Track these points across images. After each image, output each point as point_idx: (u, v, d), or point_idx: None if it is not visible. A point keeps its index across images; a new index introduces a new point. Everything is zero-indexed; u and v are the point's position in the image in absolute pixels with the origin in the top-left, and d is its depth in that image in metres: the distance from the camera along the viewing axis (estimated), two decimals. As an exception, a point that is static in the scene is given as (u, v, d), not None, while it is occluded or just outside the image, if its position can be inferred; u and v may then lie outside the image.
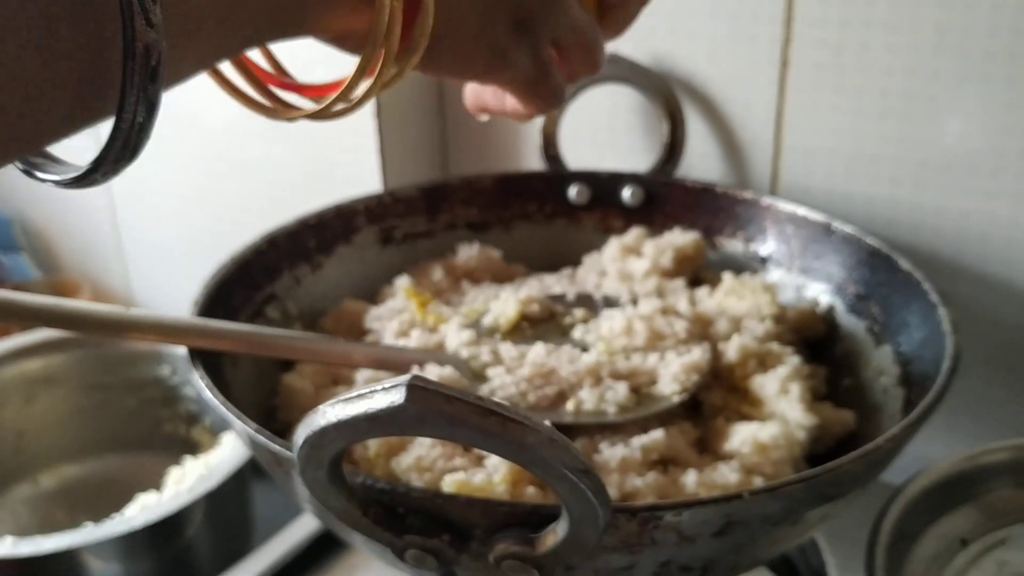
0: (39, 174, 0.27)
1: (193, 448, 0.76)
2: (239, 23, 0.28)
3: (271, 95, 0.38)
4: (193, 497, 0.60)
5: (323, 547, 0.61)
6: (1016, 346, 0.63)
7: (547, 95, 0.42)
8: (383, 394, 0.28)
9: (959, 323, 0.48)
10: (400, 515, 0.35)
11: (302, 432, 0.30)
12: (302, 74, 0.40)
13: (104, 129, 0.25)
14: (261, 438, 0.38)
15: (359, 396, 0.28)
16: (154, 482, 0.69)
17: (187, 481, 0.65)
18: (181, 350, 0.68)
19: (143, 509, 0.60)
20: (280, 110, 0.38)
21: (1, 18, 0.21)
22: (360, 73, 0.33)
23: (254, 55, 0.37)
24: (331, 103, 0.35)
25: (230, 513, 0.66)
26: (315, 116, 0.36)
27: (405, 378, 0.28)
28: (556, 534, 0.33)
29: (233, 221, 0.83)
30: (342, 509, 0.34)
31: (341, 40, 0.35)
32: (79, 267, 0.98)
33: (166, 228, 0.90)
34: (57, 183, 0.27)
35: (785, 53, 0.65)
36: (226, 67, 0.35)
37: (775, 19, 0.64)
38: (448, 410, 0.28)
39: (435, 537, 0.35)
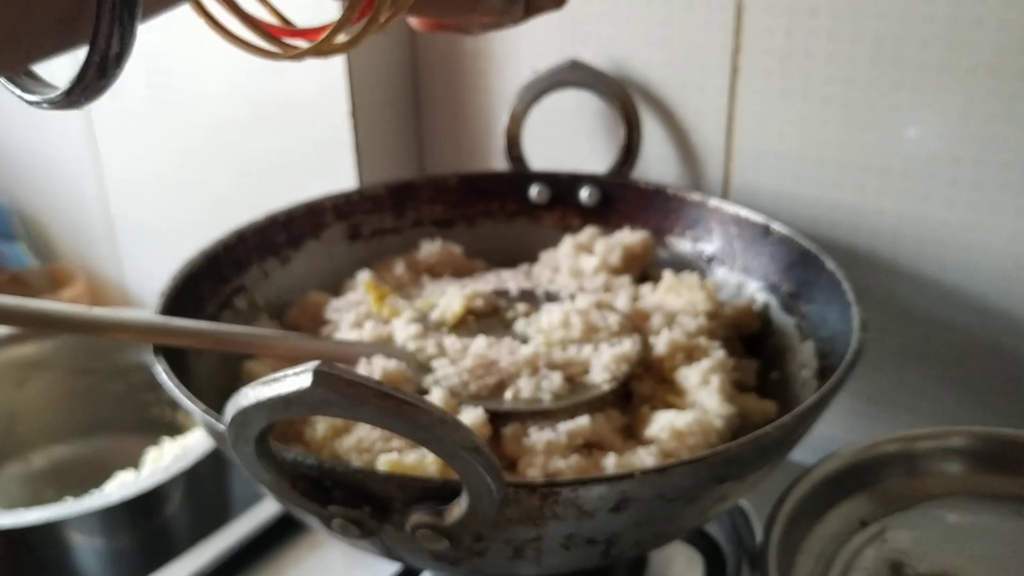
0: (20, 92, 0.28)
1: (177, 431, 0.80)
2: None
3: (267, 35, 0.38)
4: (168, 475, 0.64)
5: (293, 522, 0.65)
6: (946, 340, 0.67)
7: (509, 17, 0.45)
8: (294, 378, 0.32)
9: (874, 321, 0.51)
10: (326, 488, 0.39)
11: (229, 411, 0.34)
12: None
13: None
14: (204, 415, 0.41)
15: (273, 380, 0.32)
16: (138, 462, 0.73)
17: (164, 460, 0.69)
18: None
19: (121, 486, 0.64)
20: (279, 49, 0.37)
21: None
22: (350, 12, 0.34)
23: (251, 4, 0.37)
24: (327, 37, 0.35)
25: (207, 491, 0.70)
26: (314, 52, 0.36)
27: (312, 364, 0.32)
28: (460, 507, 0.37)
29: (220, 211, 0.87)
30: (271, 481, 0.38)
31: None
32: (74, 255, 1.03)
33: (157, 218, 0.94)
34: (35, 103, 0.28)
35: (735, 61, 0.68)
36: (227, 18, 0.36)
37: (726, 28, 0.67)
38: (349, 392, 0.31)
39: (358, 508, 0.39)
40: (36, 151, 0.99)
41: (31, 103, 0.28)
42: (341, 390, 0.31)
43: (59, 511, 0.61)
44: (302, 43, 0.37)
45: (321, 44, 0.35)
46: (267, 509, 0.66)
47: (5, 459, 0.80)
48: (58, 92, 0.27)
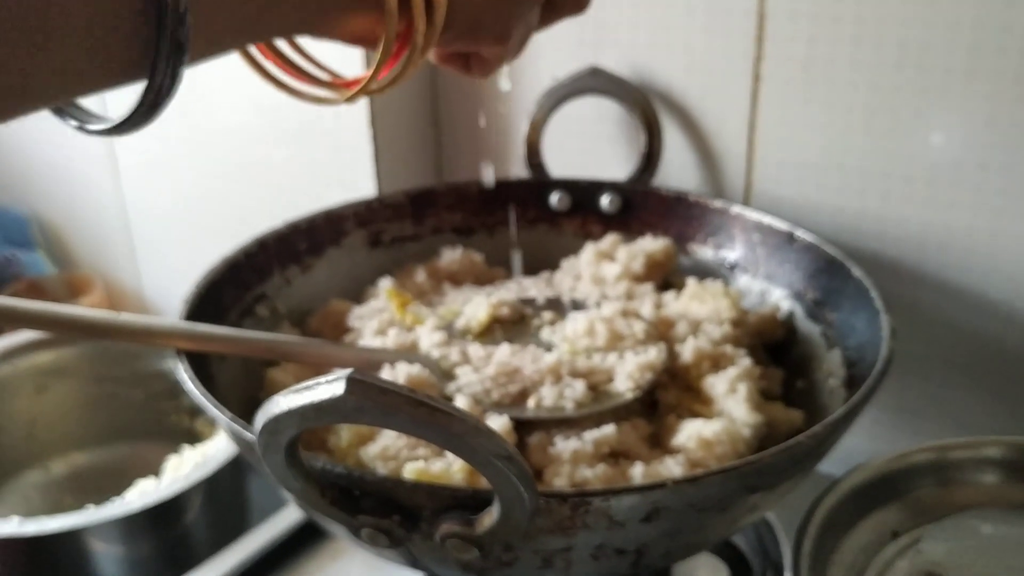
0: (74, 122, 0.34)
1: (196, 438, 0.80)
2: (259, 21, 0.33)
3: (310, 80, 0.44)
4: (189, 483, 0.64)
5: (313, 531, 0.64)
6: (972, 349, 0.66)
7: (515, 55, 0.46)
8: (326, 386, 0.31)
9: (899, 329, 0.51)
10: (355, 497, 0.39)
11: (260, 419, 0.34)
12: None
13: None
14: (231, 423, 0.41)
15: (306, 388, 0.32)
16: (157, 470, 0.73)
17: (184, 468, 0.69)
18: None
19: (141, 494, 0.64)
20: (329, 94, 0.43)
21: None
22: (378, 69, 0.38)
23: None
24: (363, 87, 0.40)
25: (226, 500, 0.70)
26: (362, 94, 0.41)
27: (346, 372, 0.31)
28: (491, 516, 0.36)
29: (238, 220, 0.87)
30: (301, 490, 0.37)
31: (361, 41, 0.39)
32: (92, 263, 1.03)
33: (175, 227, 0.94)
34: (90, 132, 0.34)
35: (757, 68, 0.68)
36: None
37: (748, 35, 0.67)
38: (383, 400, 0.31)
39: (387, 518, 0.38)
40: (55, 161, 1.00)
41: (87, 132, 0.34)
42: (374, 398, 0.31)
43: (80, 519, 0.61)
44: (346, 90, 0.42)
45: (365, 88, 0.40)
46: (287, 518, 0.65)
47: (25, 466, 0.80)
48: (111, 124, 0.33)
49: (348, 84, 0.44)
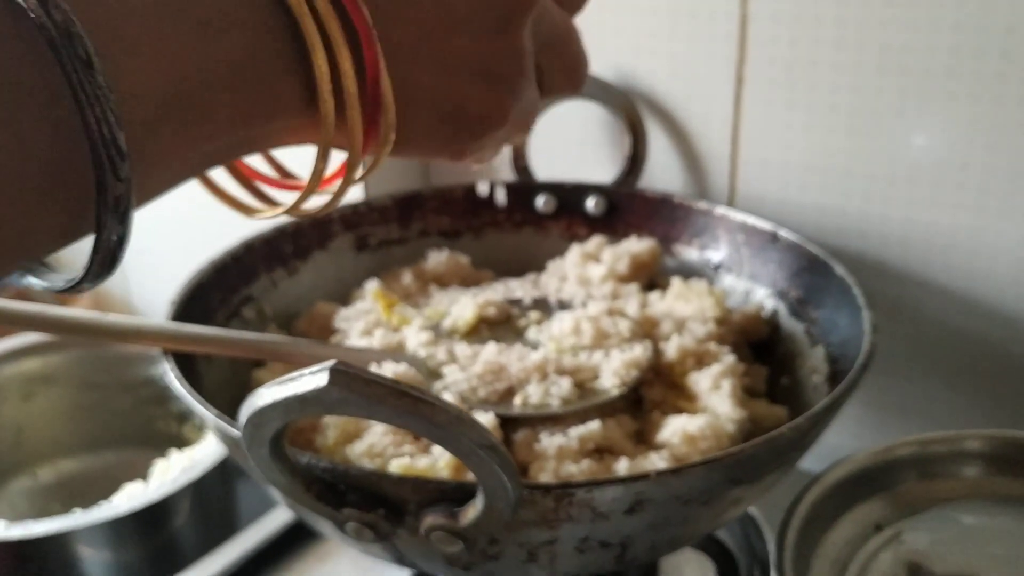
0: (34, 280, 0.31)
1: (183, 444, 0.80)
2: (198, 157, 0.31)
3: (255, 192, 0.40)
4: (177, 487, 0.64)
5: (301, 533, 0.64)
6: (955, 346, 0.67)
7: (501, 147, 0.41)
8: (310, 377, 0.32)
9: (882, 327, 0.51)
10: (340, 491, 0.39)
11: (244, 412, 0.34)
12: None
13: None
14: (217, 420, 0.41)
15: (289, 379, 0.32)
16: (145, 476, 0.72)
17: (172, 472, 0.69)
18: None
19: (129, 498, 0.64)
20: (260, 207, 0.40)
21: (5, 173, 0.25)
22: (314, 183, 0.34)
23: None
24: (298, 201, 0.36)
25: (213, 504, 0.70)
26: (290, 212, 0.38)
27: (328, 363, 0.32)
28: (476, 508, 0.36)
29: (226, 226, 0.87)
30: (286, 484, 0.38)
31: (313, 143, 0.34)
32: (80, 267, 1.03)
33: (162, 234, 0.94)
34: (49, 289, 0.31)
35: (740, 71, 0.68)
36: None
37: (730, 39, 0.68)
38: (366, 391, 0.31)
39: (372, 511, 0.38)
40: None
41: (45, 289, 0.31)
42: (358, 389, 0.31)
43: (67, 523, 0.61)
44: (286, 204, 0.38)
45: (294, 207, 0.37)
46: (275, 520, 0.66)
47: (12, 473, 0.80)
48: (69, 280, 0.30)
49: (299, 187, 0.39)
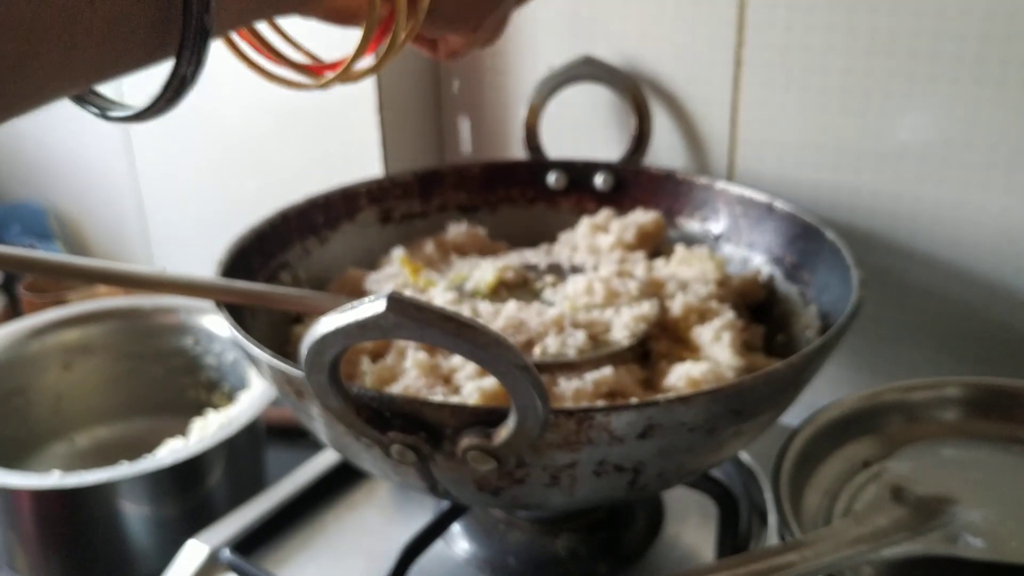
0: (94, 110, 0.35)
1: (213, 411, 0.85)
2: (265, 2, 0.35)
3: (294, 67, 0.46)
4: (215, 441, 0.68)
5: (331, 484, 0.69)
6: (940, 312, 0.72)
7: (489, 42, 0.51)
8: (369, 305, 0.37)
9: (871, 294, 0.56)
10: (386, 417, 0.44)
11: (307, 340, 0.39)
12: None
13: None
14: (273, 360, 0.46)
15: (351, 308, 0.37)
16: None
17: (209, 429, 0.73)
18: (204, 323, 0.78)
19: (172, 452, 0.69)
20: (307, 79, 0.45)
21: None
22: (365, 44, 0.41)
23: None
24: (342, 72, 0.43)
25: (244, 465, 0.74)
26: (341, 79, 0.44)
27: (385, 292, 0.36)
28: (508, 427, 0.41)
29: (253, 210, 0.91)
30: (340, 409, 0.42)
31: (345, 20, 0.41)
32: (108, 253, 1.08)
33: (189, 217, 0.99)
34: (111, 119, 0.35)
35: (738, 55, 0.73)
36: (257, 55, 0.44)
37: (729, 24, 0.73)
38: (418, 316, 0.36)
39: (414, 435, 0.43)
40: (72, 152, 1.04)
41: (108, 119, 0.35)
42: (411, 314, 0.36)
43: (116, 473, 0.65)
44: (329, 74, 0.44)
45: (345, 71, 0.43)
46: (305, 473, 0.70)
47: (51, 439, 0.85)
48: (133, 111, 0.34)
49: (324, 69, 0.46)
